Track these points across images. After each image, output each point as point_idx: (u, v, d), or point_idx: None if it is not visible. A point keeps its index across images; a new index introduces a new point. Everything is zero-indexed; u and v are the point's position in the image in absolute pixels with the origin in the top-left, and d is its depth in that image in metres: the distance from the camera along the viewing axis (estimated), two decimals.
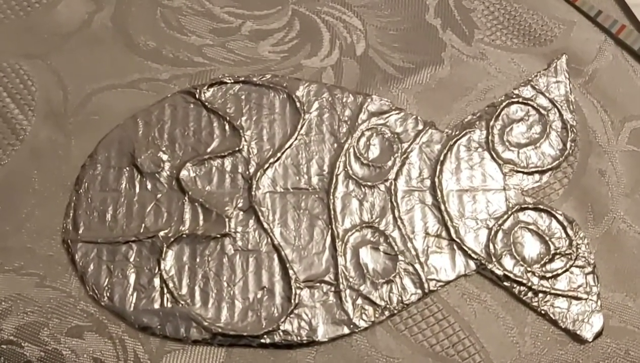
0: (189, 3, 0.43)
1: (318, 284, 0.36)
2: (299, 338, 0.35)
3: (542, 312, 0.36)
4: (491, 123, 0.40)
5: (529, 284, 0.36)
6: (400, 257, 0.36)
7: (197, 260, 0.36)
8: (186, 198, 0.37)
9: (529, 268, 0.36)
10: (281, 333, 0.35)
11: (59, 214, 0.37)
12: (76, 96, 0.40)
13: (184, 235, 0.36)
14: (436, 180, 0.38)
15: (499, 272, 0.36)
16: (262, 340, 0.34)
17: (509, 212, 0.38)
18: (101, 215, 0.37)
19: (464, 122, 0.40)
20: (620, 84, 0.42)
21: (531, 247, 0.37)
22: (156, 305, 0.35)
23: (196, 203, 0.37)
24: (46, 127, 0.39)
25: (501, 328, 0.36)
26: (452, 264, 0.37)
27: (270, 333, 0.35)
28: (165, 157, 0.38)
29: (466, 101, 0.41)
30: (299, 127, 0.39)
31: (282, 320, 0.35)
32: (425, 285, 0.36)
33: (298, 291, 0.35)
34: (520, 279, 0.36)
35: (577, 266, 0.37)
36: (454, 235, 0.37)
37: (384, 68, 0.42)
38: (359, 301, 0.36)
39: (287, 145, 0.39)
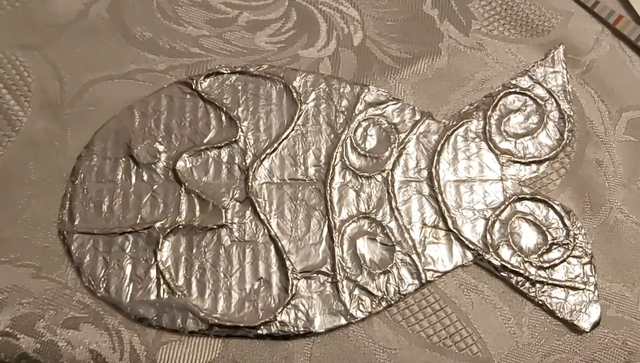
0: None
1: (315, 275, 0.36)
2: (295, 329, 0.35)
3: (540, 302, 0.36)
4: (488, 113, 0.40)
5: (527, 274, 0.36)
6: (397, 248, 0.36)
7: (194, 251, 0.36)
8: (182, 189, 0.37)
9: (526, 259, 0.36)
10: (278, 324, 0.35)
11: (55, 205, 0.37)
12: (72, 87, 0.40)
13: (181, 226, 0.36)
14: (433, 170, 0.38)
15: (497, 263, 0.36)
16: (259, 331, 0.34)
17: (506, 203, 0.38)
18: (97, 206, 0.37)
19: (461, 112, 0.40)
20: (618, 74, 0.42)
21: (528, 238, 0.37)
22: (153, 296, 0.35)
23: (193, 194, 0.37)
24: (42, 118, 0.39)
25: (499, 318, 0.36)
26: (449, 255, 0.37)
27: (267, 324, 0.35)
28: (161, 147, 0.38)
29: (463, 91, 0.41)
30: (296, 117, 0.39)
31: (279, 311, 0.35)
32: (423, 276, 0.36)
33: (295, 282, 0.35)
34: (517, 269, 0.36)
35: (574, 256, 0.37)
36: (451, 226, 0.37)
37: (381, 58, 0.42)
38: (356, 292, 0.35)
39: (283, 136, 0.38)
